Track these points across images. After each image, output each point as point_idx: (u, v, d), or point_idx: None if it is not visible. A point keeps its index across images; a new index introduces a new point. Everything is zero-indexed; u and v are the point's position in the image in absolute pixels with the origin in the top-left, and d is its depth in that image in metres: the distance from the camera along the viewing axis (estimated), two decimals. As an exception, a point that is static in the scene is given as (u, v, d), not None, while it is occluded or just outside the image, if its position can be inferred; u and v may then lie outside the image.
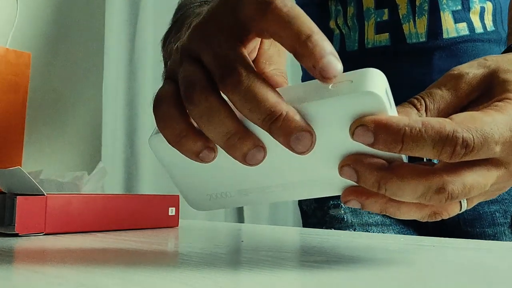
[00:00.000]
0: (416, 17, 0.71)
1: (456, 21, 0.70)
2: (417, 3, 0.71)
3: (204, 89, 0.29)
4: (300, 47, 0.27)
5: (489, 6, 0.73)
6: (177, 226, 0.63)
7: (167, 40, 0.47)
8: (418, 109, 0.33)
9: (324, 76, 0.27)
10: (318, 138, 0.29)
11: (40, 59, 1.12)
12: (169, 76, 0.32)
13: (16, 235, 0.48)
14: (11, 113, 0.82)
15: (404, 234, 0.72)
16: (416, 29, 0.71)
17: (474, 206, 0.70)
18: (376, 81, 0.28)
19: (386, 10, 0.72)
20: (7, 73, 0.81)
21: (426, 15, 0.70)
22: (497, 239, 0.69)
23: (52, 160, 1.18)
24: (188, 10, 0.49)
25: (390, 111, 0.28)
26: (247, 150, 0.29)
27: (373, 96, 0.27)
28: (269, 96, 0.28)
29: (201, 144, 0.30)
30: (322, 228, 0.73)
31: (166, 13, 1.40)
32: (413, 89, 0.72)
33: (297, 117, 0.28)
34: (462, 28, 0.71)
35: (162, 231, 0.58)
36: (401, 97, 0.66)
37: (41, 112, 1.16)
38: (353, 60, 0.74)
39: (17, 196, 0.49)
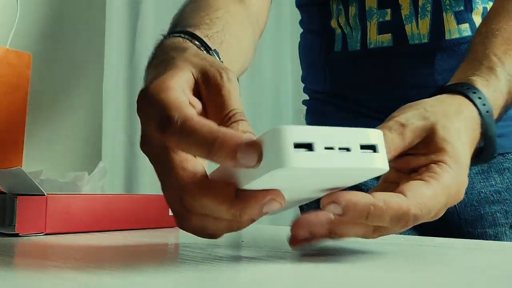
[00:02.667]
0: (419, 18, 0.70)
1: (459, 22, 0.70)
2: (420, 4, 0.70)
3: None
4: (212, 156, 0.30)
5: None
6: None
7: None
8: None
9: (247, 166, 0.29)
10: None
11: (41, 60, 1.12)
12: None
13: (17, 235, 0.48)
14: (11, 114, 0.82)
15: (404, 234, 0.72)
16: (418, 30, 0.70)
17: (475, 206, 0.70)
18: (285, 147, 0.29)
19: (388, 10, 0.71)
20: (8, 73, 0.81)
21: (429, 16, 0.70)
22: (498, 240, 0.69)
23: (52, 160, 1.18)
24: (161, 45, 0.45)
25: (311, 156, 0.29)
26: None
27: (286, 168, 0.29)
28: (204, 129, 0.30)
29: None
30: (322, 228, 0.73)
31: (166, 14, 1.40)
32: (417, 89, 0.72)
33: (234, 139, 0.30)
34: (465, 29, 0.70)
35: (162, 231, 0.58)
36: (404, 96, 0.66)
37: (42, 113, 1.16)
38: (356, 60, 0.73)
39: (18, 196, 0.49)
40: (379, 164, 0.32)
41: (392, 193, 0.35)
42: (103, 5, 1.24)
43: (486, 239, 0.68)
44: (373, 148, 0.32)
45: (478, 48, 0.52)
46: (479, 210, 0.69)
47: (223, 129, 0.30)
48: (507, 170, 0.69)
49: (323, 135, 0.30)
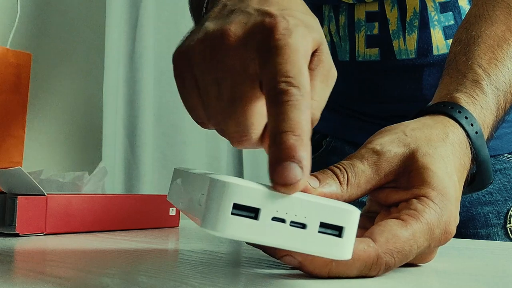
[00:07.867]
0: (406, 34, 0.69)
1: (447, 37, 0.68)
2: (407, 19, 0.69)
3: None
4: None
5: None
6: (178, 226, 0.63)
7: None
8: (340, 183, 0.34)
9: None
10: None
11: (41, 60, 1.12)
12: None
13: (17, 235, 0.48)
14: (11, 113, 0.82)
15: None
16: (405, 46, 0.69)
17: (467, 207, 0.70)
18: (222, 208, 0.24)
19: (376, 24, 0.70)
20: (8, 73, 0.81)
21: (416, 32, 0.69)
22: (490, 240, 0.69)
23: (52, 160, 1.18)
24: None
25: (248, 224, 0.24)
26: None
27: (218, 234, 0.24)
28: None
29: None
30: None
31: (166, 13, 1.40)
32: (405, 103, 0.71)
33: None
34: None
35: (162, 231, 0.58)
36: (393, 111, 0.65)
37: (42, 112, 1.16)
38: (345, 70, 0.73)
39: (18, 196, 0.49)
40: (338, 253, 0.26)
41: (360, 238, 0.30)
42: (103, 5, 1.24)
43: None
44: (338, 230, 0.26)
45: (460, 59, 0.47)
46: (471, 211, 0.70)
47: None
48: (499, 172, 0.69)
49: (275, 201, 0.24)
